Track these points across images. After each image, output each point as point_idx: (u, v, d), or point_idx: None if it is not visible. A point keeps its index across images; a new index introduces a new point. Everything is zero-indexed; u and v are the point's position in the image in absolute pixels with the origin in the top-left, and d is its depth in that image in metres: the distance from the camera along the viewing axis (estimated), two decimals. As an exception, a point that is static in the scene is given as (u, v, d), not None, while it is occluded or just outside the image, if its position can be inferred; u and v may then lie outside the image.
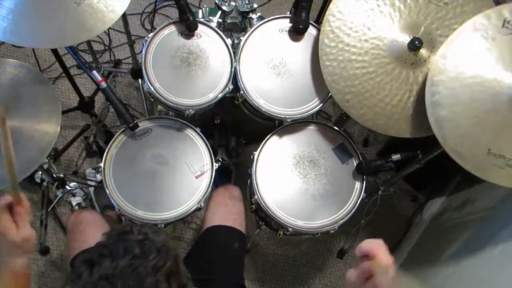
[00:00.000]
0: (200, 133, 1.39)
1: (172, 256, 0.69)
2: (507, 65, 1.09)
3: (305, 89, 1.39)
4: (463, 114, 1.09)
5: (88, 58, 1.94)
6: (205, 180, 1.34)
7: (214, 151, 1.45)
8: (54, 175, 1.60)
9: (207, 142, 1.39)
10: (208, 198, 1.36)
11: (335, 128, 1.44)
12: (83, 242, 1.20)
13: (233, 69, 1.37)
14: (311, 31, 1.42)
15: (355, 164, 1.40)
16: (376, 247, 0.68)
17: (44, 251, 1.77)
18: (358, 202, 1.36)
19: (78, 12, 1.12)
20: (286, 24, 1.42)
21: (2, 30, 1.09)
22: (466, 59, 1.11)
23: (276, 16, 1.42)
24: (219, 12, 1.50)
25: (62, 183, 1.65)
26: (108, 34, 2.14)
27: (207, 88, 1.36)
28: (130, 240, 0.67)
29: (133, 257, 0.64)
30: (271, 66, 1.39)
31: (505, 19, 1.09)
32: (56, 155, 1.86)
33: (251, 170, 1.36)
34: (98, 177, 1.79)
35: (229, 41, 1.40)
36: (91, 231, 1.25)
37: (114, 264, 0.63)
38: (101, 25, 1.14)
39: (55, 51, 1.40)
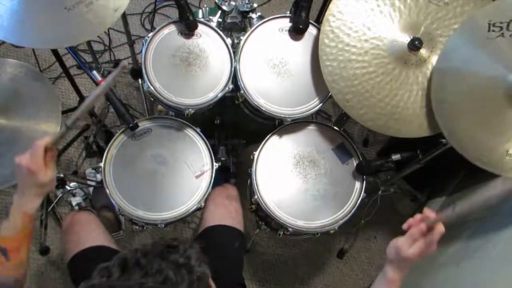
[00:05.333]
0: (200, 133, 1.39)
1: None
2: (505, 65, 1.09)
3: (305, 89, 1.38)
4: (475, 123, 1.10)
5: (88, 58, 1.94)
6: (205, 180, 1.34)
7: (214, 151, 1.45)
8: (54, 175, 1.60)
9: (207, 142, 1.39)
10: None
11: (335, 128, 1.44)
12: (78, 243, 1.19)
13: (233, 69, 1.37)
14: (311, 31, 1.42)
15: (355, 164, 1.40)
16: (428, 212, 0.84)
17: (44, 251, 1.77)
18: (358, 202, 1.36)
19: (72, 15, 1.12)
20: (286, 23, 1.42)
21: (2, 29, 1.09)
22: (463, 69, 1.11)
23: (276, 16, 1.42)
24: (219, 12, 1.50)
25: (62, 183, 1.65)
26: (108, 34, 2.14)
27: (207, 87, 1.36)
28: (170, 259, 0.65)
29: (164, 280, 0.62)
30: (271, 65, 1.39)
31: (489, 22, 1.10)
32: (56, 155, 1.85)
33: (251, 170, 1.36)
34: (98, 177, 1.79)
35: (229, 41, 1.40)
36: (86, 232, 1.24)
37: (142, 281, 0.61)
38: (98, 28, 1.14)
39: (55, 51, 1.40)
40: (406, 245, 0.82)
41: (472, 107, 1.10)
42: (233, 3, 1.49)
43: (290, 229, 1.33)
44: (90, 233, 1.25)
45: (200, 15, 1.64)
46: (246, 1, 1.51)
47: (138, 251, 0.65)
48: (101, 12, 1.13)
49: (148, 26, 2.22)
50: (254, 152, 1.38)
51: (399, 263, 0.85)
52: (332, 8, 1.26)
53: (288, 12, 1.44)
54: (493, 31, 1.09)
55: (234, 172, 1.87)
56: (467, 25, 1.11)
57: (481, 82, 1.09)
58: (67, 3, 1.11)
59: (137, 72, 1.81)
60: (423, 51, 1.23)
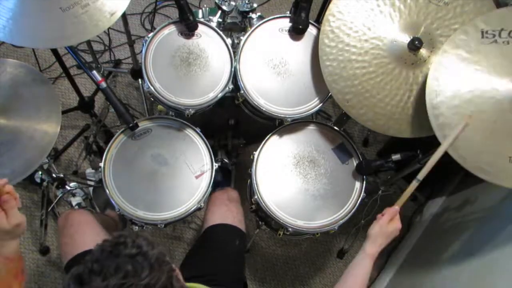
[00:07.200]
0: (200, 133, 1.39)
1: (166, 272, 0.67)
2: (500, 71, 1.09)
3: (305, 89, 1.38)
4: (473, 130, 1.08)
5: (88, 58, 1.94)
6: (205, 180, 1.34)
7: (214, 151, 1.45)
8: (54, 175, 1.60)
9: (207, 142, 1.39)
10: (207, 200, 1.36)
11: (335, 128, 1.44)
12: (73, 247, 1.18)
13: (233, 69, 1.37)
14: (311, 31, 1.42)
15: (355, 164, 1.40)
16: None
17: (44, 251, 1.77)
18: (358, 202, 1.36)
19: (67, 16, 1.11)
20: (286, 23, 1.42)
21: (2, 30, 1.09)
22: (458, 76, 1.11)
23: (276, 16, 1.42)
24: (219, 12, 1.50)
25: (62, 183, 1.65)
26: (108, 34, 2.14)
27: (207, 87, 1.36)
28: (122, 255, 0.65)
29: (124, 275, 0.62)
30: (271, 65, 1.39)
31: (482, 29, 1.10)
32: (56, 155, 1.86)
33: (251, 170, 1.36)
34: (98, 177, 1.79)
35: (229, 41, 1.40)
36: (81, 235, 1.22)
37: (104, 284, 0.61)
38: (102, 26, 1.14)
39: (55, 51, 1.40)
40: (387, 222, 1.09)
41: (477, 122, 1.08)
42: (233, 3, 1.49)
43: (290, 229, 1.33)
44: (85, 236, 1.22)
45: (200, 15, 1.65)
46: (246, 1, 1.51)
47: (88, 261, 0.65)
48: (96, 15, 1.12)
49: (148, 26, 2.23)
50: (254, 152, 1.38)
51: (379, 237, 1.08)
52: (332, 8, 1.26)
53: (288, 12, 1.45)
54: (487, 37, 1.10)
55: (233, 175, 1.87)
56: (459, 35, 1.11)
57: (478, 90, 1.09)
58: (63, 3, 1.10)
59: (137, 72, 1.81)
60: (423, 51, 1.23)
